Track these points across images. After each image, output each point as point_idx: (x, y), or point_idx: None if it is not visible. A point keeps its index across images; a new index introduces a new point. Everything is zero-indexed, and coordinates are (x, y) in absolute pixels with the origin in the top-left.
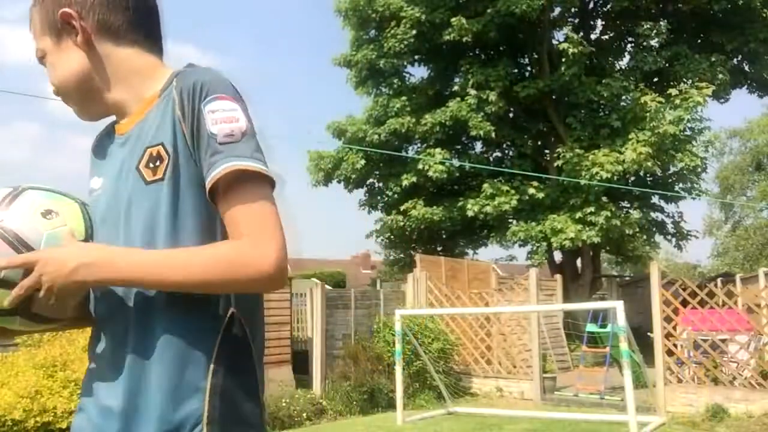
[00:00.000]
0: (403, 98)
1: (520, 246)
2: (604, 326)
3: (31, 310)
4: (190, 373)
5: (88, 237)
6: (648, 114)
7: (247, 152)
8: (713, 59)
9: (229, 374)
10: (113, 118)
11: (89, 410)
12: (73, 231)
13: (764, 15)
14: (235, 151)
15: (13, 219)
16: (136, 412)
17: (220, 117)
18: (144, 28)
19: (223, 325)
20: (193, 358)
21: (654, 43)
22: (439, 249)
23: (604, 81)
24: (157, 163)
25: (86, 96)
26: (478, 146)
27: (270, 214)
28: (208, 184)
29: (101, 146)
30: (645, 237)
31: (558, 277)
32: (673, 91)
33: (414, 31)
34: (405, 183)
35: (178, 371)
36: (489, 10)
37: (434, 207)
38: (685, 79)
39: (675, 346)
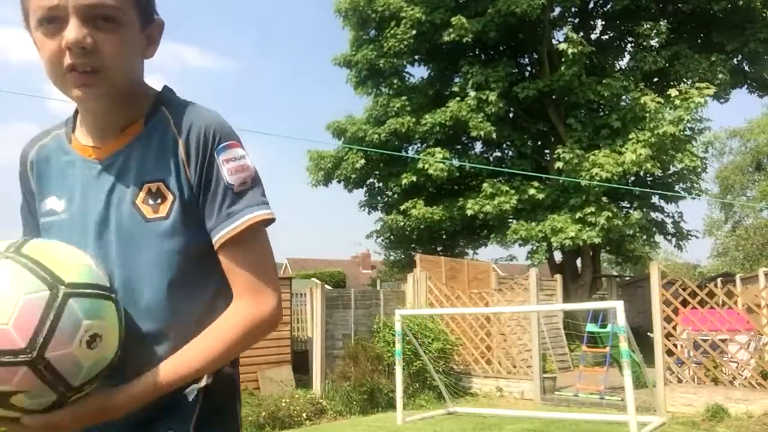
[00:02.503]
0: (403, 98)
1: (520, 246)
2: (604, 326)
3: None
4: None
5: (120, 341)
6: (648, 114)
7: (259, 199)
8: (713, 59)
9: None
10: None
11: None
12: (110, 348)
13: (764, 15)
14: (251, 201)
15: (54, 346)
16: None
17: (234, 166)
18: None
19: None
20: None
21: (654, 43)
22: (439, 249)
23: (604, 81)
24: (158, 201)
25: (122, 93)
26: (478, 146)
27: (270, 263)
28: (226, 234)
29: (51, 161)
30: (645, 237)
31: (558, 277)
32: (673, 92)
33: (414, 31)
34: (405, 183)
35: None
36: (489, 10)
37: (434, 207)
38: (685, 79)
39: (675, 346)
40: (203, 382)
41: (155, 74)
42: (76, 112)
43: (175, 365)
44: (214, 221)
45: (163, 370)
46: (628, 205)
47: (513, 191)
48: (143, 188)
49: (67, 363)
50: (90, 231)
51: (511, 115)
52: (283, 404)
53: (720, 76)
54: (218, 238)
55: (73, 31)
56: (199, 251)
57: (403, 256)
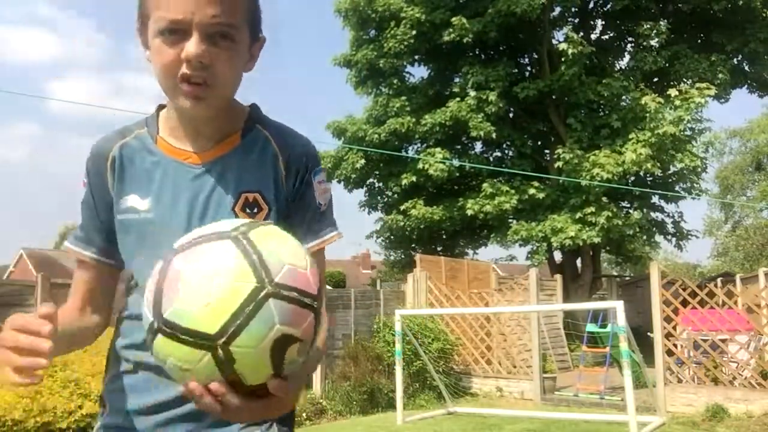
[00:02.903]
0: (403, 98)
1: (520, 246)
2: (604, 326)
3: None
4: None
5: None
6: (648, 114)
7: (333, 220)
8: (713, 59)
9: None
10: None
11: None
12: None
13: (764, 15)
14: (331, 221)
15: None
16: None
17: (323, 188)
18: None
19: None
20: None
21: (654, 43)
22: (439, 249)
23: (604, 81)
24: (255, 210)
25: (225, 105)
26: (478, 146)
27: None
28: (315, 246)
29: (135, 160)
30: (645, 237)
31: (558, 277)
32: (673, 92)
33: (414, 32)
34: (405, 183)
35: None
36: (489, 10)
37: (434, 207)
38: (685, 79)
39: (675, 346)
40: None
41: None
42: (157, 114)
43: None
44: (301, 235)
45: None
46: (628, 205)
47: (513, 191)
48: (240, 197)
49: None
50: (181, 231)
51: (511, 115)
52: None
53: (720, 76)
54: (314, 250)
55: (194, 46)
56: None
57: (403, 256)
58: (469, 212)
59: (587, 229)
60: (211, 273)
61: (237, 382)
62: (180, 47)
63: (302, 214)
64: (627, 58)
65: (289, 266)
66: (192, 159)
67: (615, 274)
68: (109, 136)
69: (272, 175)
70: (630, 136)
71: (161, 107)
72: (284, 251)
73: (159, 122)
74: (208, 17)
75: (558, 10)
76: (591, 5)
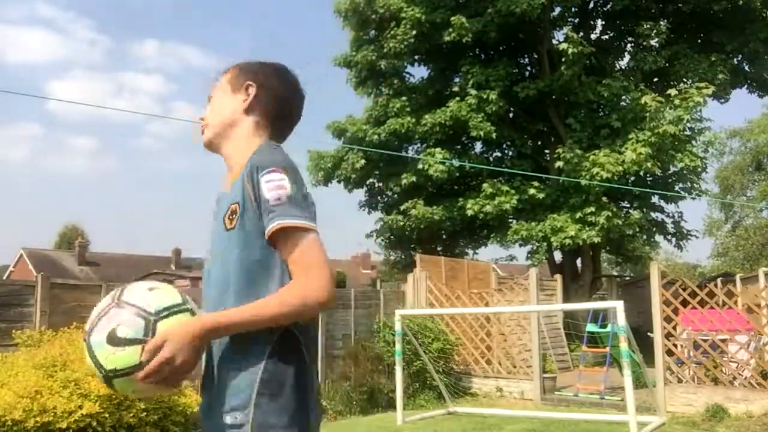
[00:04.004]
0: (403, 98)
1: (520, 246)
2: (604, 326)
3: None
4: (244, 374)
5: (185, 301)
6: (648, 114)
7: (291, 212)
8: (713, 59)
9: (280, 373)
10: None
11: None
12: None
13: (764, 15)
14: (284, 212)
15: (129, 296)
16: (215, 402)
17: (270, 186)
18: (277, 123)
19: (274, 339)
20: (243, 365)
21: (654, 43)
22: (439, 249)
23: (604, 81)
24: (233, 216)
25: (219, 134)
26: (478, 146)
27: (317, 255)
28: (266, 235)
29: (219, 197)
30: (645, 237)
31: (558, 277)
32: (673, 91)
33: (414, 32)
34: (405, 183)
35: (235, 375)
36: (489, 10)
37: (434, 207)
38: (685, 79)
39: (675, 346)
40: (270, 344)
41: (155, 75)
42: None
43: (242, 309)
44: (265, 227)
45: (235, 309)
46: (628, 205)
47: (513, 191)
48: (229, 208)
49: (140, 302)
50: (214, 243)
51: (511, 115)
52: None
53: (720, 76)
54: (267, 238)
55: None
56: (264, 252)
57: (403, 256)
58: (469, 212)
59: (587, 228)
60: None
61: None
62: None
63: (262, 210)
64: (627, 58)
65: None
66: (224, 187)
67: (615, 274)
68: None
69: (242, 185)
70: (630, 136)
71: None
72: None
73: None
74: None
75: (558, 10)
76: (591, 5)
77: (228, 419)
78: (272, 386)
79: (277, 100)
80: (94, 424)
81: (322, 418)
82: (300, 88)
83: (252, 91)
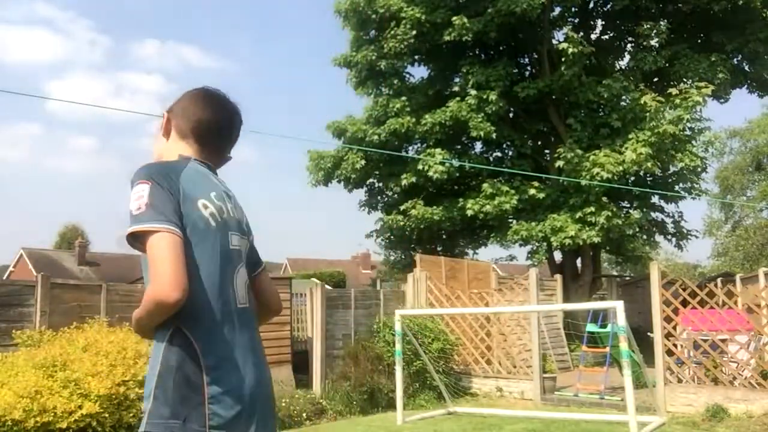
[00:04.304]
0: (403, 98)
1: (520, 246)
2: (604, 326)
3: None
4: (152, 366)
5: None
6: (648, 114)
7: (145, 219)
8: (713, 59)
9: (168, 369)
10: None
11: None
12: None
13: (764, 15)
14: (138, 219)
15: None
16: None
17: (133, 197)
18: (198, 139)
19: (166, 337)
20: (152, 359)
21: (654, 43)
22: (439, 249)
23: (604, 81)
24: None
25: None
26: (478, 146)
27: (159, 254)
28: (128, 243)
29: None
30: (645, 237)
31: (558, 277)
32: (674, 91)
33: (414, 32)
34: (405, 183)
35: (150, 366)
36: (489, 10)
37: (434, 207)
38: (685, 79)
39: (675, 346)
40: (163, 341)
41: (155, 75)
42: None
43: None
44: None
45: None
46: (628, 205)
47: (513, 191)
48: None
49: None
50: None
51: (511, 115)
52: (283, 404)
53: (720, 75)
54: (127, 243)
55: None
56: (143, 257)
57: (403, 256)
58: (469, 212)
59: (587, 228)
60: None
61: None
62: None
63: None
64: (627, 58)
65: None
66: None
67: (615, 274)
68: None
69: None
70: (630, 136)
71: None
72: None
73: None
74: None
75: (558, 10)
76: (591, 5)
77: (143, 405)
78: (165, 380)
79: (190, 119)
80: (94, 424)
81: (239, 424)
82: (217, 103)
83: (165, 117)
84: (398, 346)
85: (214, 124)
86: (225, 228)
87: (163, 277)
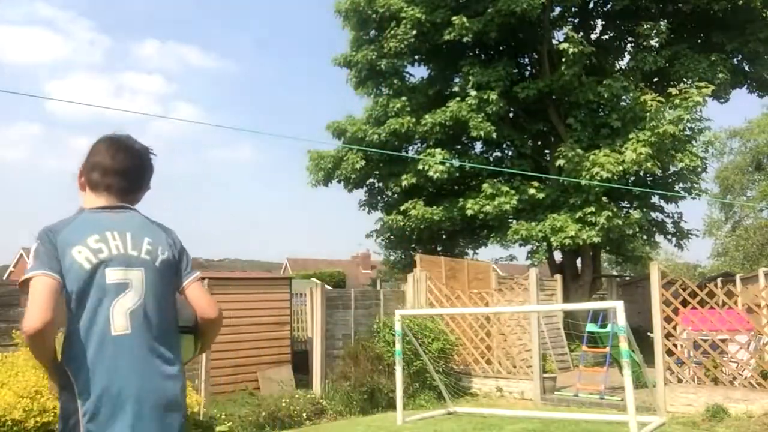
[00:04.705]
0: (403, 98)
1: (520, 246)
2: (604, 326)
3: None
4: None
5: None
6: (648, 114)
7: (29, 270)
8: (713, 59)
9: (61, 399)
10: None
11: None
12: None
13: (764, 15)
14: (26, 271)
15: None
16: None
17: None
18: (91, 181)
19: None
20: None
21: (654, 43)
22: (439, 249)
23: (604, 81)
24: None
25: None
26: (478, 146)
27: (30, 297)
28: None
29: None
30: (645, 237)
31: (558, 277)
32: (674, 91)
33: (414, 32)
34: (405, 183)
35: None
36: (489, 10)
37: (434, 207)
38: (685, 79)
39: (675, 346)
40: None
41: (156, 75)
42: None
43: None
44: None
45: None
46: (628, 205)
47: (513, 191)
48: None
49: None
50: None
51: (511, 115)
52: (283, 404)
53: (720, 75)
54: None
55: None
56: None
57: (403, 256)
58: (469, 212)
59: (587, 228)
60: None
61: None
62: None
63: None
64: (627, 58)
65: None
66: None
67: (615, 274)
68: None
69: None
70: (630, 136)
71: None
72: None
73: None
74: None
75: (558, 10)
76: (591, 5)
77: None
78: (62, 424)
79: (93, 168)
80: None
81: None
82: (114, 148)
83: (78, 174)
84: (398, 346)
85: (110, 167)
86: (102, 266)
87: (28, 312)
